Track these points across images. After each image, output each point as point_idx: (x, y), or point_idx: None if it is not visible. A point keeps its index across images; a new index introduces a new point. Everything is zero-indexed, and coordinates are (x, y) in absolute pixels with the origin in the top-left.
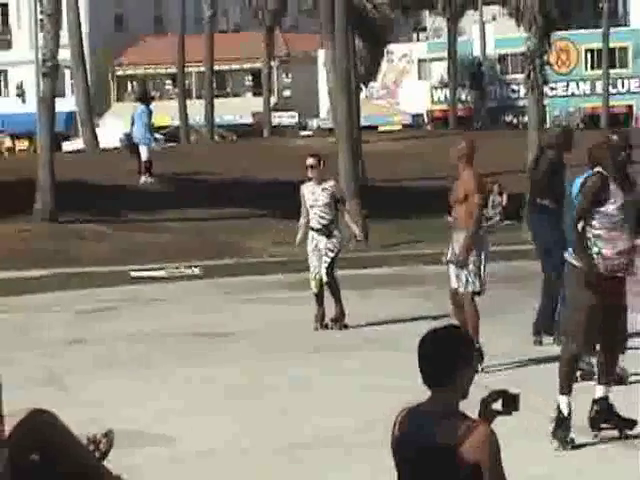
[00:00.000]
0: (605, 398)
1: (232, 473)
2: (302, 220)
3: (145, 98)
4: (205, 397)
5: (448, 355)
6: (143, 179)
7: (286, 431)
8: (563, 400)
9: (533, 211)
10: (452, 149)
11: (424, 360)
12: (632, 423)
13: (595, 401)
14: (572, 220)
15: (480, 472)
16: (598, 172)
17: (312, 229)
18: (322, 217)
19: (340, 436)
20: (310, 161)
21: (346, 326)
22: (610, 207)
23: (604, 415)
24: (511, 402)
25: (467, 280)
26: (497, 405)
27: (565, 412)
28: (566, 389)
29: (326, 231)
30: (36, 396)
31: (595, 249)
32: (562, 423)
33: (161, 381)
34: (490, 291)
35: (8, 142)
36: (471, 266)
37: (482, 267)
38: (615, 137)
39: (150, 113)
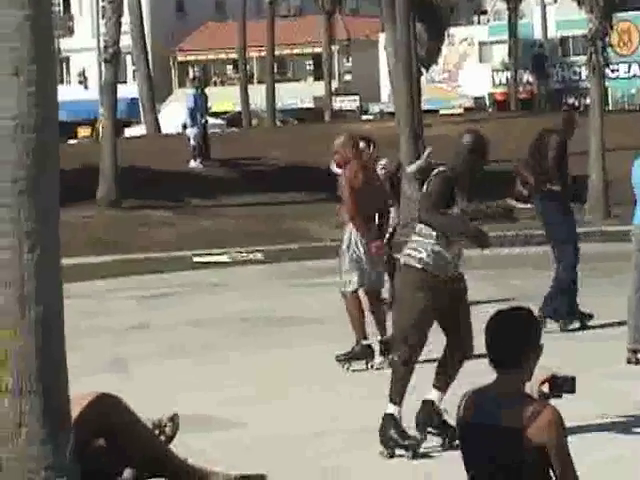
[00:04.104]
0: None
1: (300, 459)
2: None
3: (195, 83)
4: (272, 383)
5: (516, 337)
6: (192, 163)
7: (355, 417)
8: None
9: (543, 198)
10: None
11: (492, 342)
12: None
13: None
14: None
15: (547, 455)
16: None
17: None
18: None
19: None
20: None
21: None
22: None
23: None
24: (566, 385)
25: (343, 278)
26: (545, 388)
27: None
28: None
29: None
30: (102, 381)
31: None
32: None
33: (227, 366)
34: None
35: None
36: (346, 264)
37: (352, 265)
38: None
39: (196, 97)
